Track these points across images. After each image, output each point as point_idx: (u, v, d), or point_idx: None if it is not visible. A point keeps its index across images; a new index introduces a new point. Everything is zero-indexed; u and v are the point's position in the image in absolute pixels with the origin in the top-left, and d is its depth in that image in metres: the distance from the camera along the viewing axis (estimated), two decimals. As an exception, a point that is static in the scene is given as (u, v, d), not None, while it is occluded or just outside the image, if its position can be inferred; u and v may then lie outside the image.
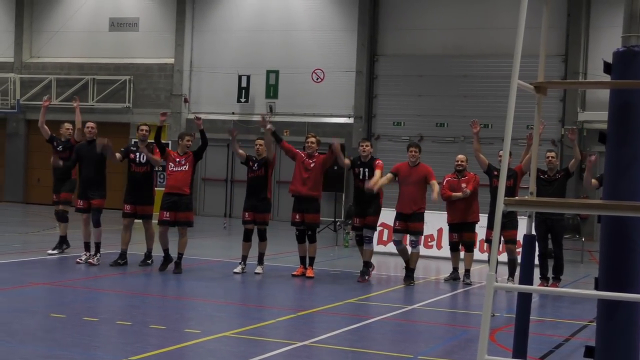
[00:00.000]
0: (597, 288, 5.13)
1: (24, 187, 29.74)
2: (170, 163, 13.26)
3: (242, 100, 26.97)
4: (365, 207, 13.16)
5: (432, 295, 12.49)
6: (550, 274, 13.27)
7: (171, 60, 28.11)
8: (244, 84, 26.97)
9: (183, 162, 13.24)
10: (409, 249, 13.37)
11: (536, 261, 11.99)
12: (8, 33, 29.97)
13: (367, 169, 13.19)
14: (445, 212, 14.22)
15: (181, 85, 27.95)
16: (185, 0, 27.82)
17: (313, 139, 13.58)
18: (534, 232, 5.59)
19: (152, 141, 13.85)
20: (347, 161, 13.54)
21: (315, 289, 12.51)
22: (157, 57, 28.44)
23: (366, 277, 13.29)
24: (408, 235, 13.33)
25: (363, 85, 26.01)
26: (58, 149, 14.44)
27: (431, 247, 17.46)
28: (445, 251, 16.06)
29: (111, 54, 28.89)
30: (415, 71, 25.66)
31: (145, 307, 10.54)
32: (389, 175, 13.22)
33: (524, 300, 5.43)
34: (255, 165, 13.41)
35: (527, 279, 5.39)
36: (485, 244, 14.39)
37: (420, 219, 13.24)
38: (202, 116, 27.38)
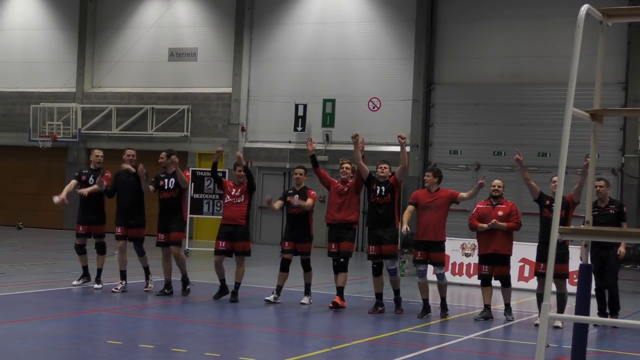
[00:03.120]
0: (655, 319, 5.03)
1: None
2: (227, 195, 13.30)
3: (299, 129, 27.13)
4: (381, 233, 12.61)
5: (487, 325, 12.31)
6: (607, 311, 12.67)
7: (229, 90, 28.44)
8: (300, 113, 27.14)
9: (239, 194, 13.24)
10: (436, 281, 12.63)
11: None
12: (70, 64, 30.66)
13: (383, 187, 12.71)
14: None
15: (238, 114, 28.22)
16: (243, 30, 28.16)
17: (348, 165, 13.23)
18: (589, 262, 5.50)
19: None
20: (364, 166, 12.83)
21: (369, 317, 12.43)
22: (215, 87, 28.80)
23: (402, 308, 12.80)
24: (433, 267, 12.62)
25: (419, 114, 25.97)
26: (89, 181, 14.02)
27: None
28: (522, 282, 16.03)
29: (170, 83, 29.34)
30: (472, 99, 25.56)
31: (200, 334, 10.60)
32: (409, 207, 12.65)
33: (580, 331, 5.34)
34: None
35: (583, 309, 5.31)
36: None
37: (442, 248, 12.64)
38: (259, 145, 28.11)
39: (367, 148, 26.00)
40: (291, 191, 13.45)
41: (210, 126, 28.76)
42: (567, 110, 4.93)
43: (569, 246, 12.22)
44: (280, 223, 26.73)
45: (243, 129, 28.21)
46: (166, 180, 13.50)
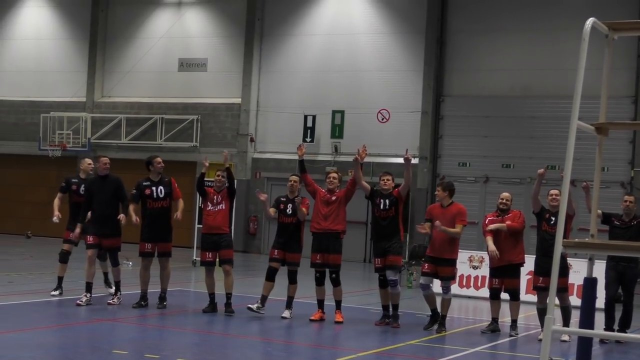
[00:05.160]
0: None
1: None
2: (208, 203, 12.90)
3: (308, 140, 27.12)
4: (386, 245, 12.38)
5: (494, 338, 12.26)
6: (616, 326, 12.27)
7: (238, 100, 28.51)
8: (309, 124, 27.18)
9: (220, 201, 12.87)
10: (441, 295, 12.46)
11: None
12: (81, 73, 30.82)
13: (387, 200, 12.52)
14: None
15: (247, 124, 28.29)
16: (253, 41, 28.26)
17: (335, 175, 12.96)
18: (594, 275, 5.48)
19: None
20: (365, 184, 12.73)
21: (376, 329, 12.41)
22: (224, 97, 28.88)
23: (399, 322, 12.58)
24: (439, 280, 12.43)
25: (428, 126, 25.98)
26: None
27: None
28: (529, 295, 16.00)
29: (180, 93, 29.46)
30: (482, 112, 25.55)
31: (205, 345, 10.62)
32: (426, 225, 12.40)
33: (584, 345, 5.33)
34: (289, 209, 12.85)
35: (587, 322, 5.29)
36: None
37: (452, 264, 12.41)
38: (268, 155, 28.15)
39: (376, 160, 26.29)
40: (284, 198, 13.09)
41: (220, 136, 28.83)
42: (572, 123, 4.94)
43: (571, 259, 12.12)
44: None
45: (252, 140, 28.27)
46: (154, 188, 13.04)
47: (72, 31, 31.34)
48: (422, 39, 26.30)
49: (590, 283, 5.37)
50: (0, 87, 32.14)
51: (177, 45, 29.63)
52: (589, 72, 5.17)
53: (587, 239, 5.42)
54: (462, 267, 17.58)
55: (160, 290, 13.31)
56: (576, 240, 5.34)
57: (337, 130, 27.01)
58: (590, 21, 4.96)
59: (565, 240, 4.83)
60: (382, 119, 26.41)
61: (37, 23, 31.87)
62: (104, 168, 13.30)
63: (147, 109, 29.79)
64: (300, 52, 27.89)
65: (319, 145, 27.25)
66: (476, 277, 17.56)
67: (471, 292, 17.43)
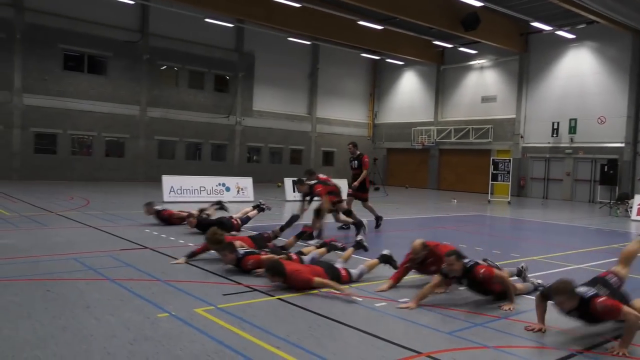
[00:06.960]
0: None
1: (437, 183, 31.37)
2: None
3: (554, 135, 25.74)
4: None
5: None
6: None
7: (513, 115, 27.79)
8: (555, 127, 25.73)
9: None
10: None
11: None
12: (430, 107, 31.82)
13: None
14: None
15: (519, 128, 27.46)
16: (522, 84, 27.35)
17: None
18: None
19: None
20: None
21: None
22: (506, 115, 28.31)
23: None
24: None
25: (632, 124, 23.23)
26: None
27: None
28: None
29: (482, 114, 29.35)
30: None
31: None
32: None
33: None
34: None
35: None
36: None
37: None
38: (531, 145, 27.09)
39: (598, 145, 23.91)
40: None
41: (503, 136, 28.29)
42: None
43: None
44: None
45: (521, 137, 27.41)
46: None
47: (425, 83, 31.99)
48: (627, 73, 23.57)
49: None
50: (394, 116, 33.93)
51: (480, 89, 29.48)
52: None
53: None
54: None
55: None
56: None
57: (572, 130, 25.20)
58: None
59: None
60: (601, 122, 24.09)
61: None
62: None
63: (465, 124, 30.05)
64: (549, 88, 26.47)
65: (561, 138, 25.69)
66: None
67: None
